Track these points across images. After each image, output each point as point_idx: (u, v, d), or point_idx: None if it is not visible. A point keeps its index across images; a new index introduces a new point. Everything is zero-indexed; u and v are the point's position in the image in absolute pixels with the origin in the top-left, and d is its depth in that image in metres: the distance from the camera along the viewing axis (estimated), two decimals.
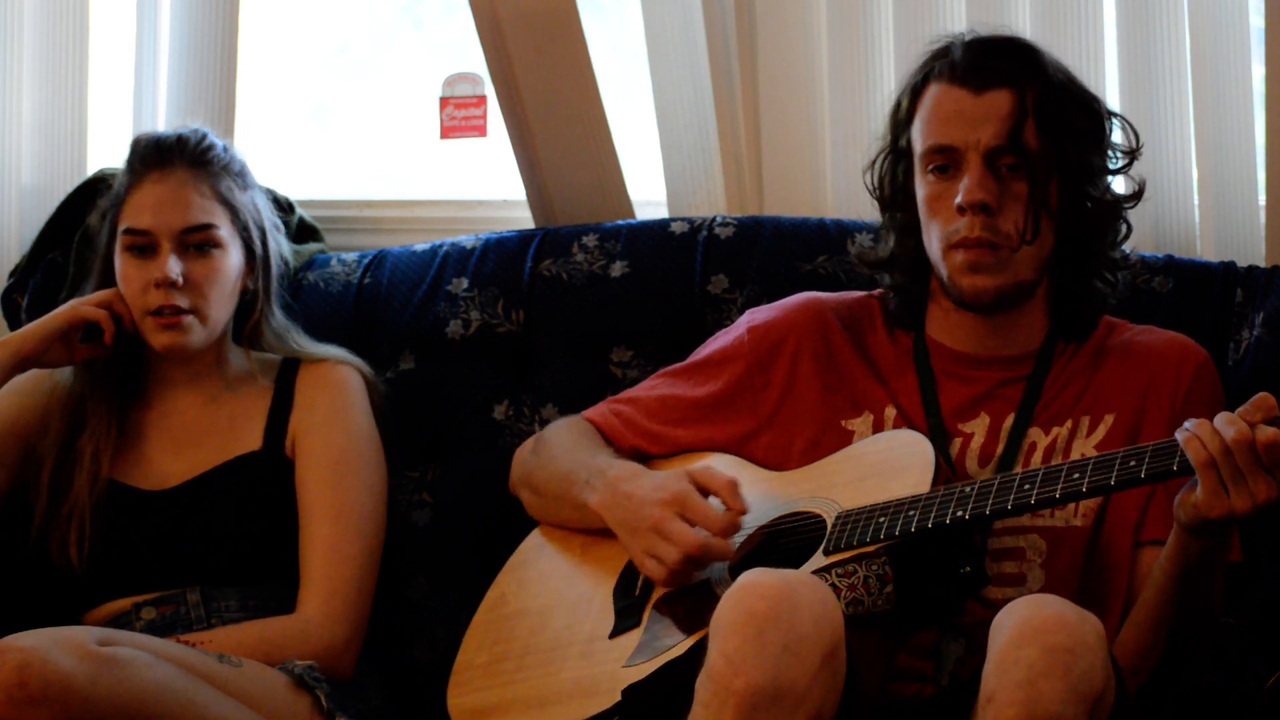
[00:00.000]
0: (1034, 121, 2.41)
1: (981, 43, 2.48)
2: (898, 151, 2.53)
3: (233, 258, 2.74)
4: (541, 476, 2.63)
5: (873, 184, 2.57)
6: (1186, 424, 2.15)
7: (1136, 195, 2.55)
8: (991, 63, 2.45)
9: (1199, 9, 2.90)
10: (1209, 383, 2.47)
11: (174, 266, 2.68)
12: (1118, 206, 2.51)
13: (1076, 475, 2.18)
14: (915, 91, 2.50)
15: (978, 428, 2.48)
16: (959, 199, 2.41)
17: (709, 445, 2.59)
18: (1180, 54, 2.93)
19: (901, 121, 2.52)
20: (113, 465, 2.71)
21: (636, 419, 2.64)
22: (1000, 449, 2.45)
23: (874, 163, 2.57)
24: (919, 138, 2.48)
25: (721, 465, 2.52)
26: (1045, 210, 2.42)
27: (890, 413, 2.50)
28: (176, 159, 2.72)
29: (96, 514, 2.67)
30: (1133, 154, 2.53)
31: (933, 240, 2.46)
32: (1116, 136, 2.53)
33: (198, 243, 2.71)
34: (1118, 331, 2.54)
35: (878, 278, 2.62)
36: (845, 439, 2.50)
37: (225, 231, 2.73)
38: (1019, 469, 2.42)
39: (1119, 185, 2.58)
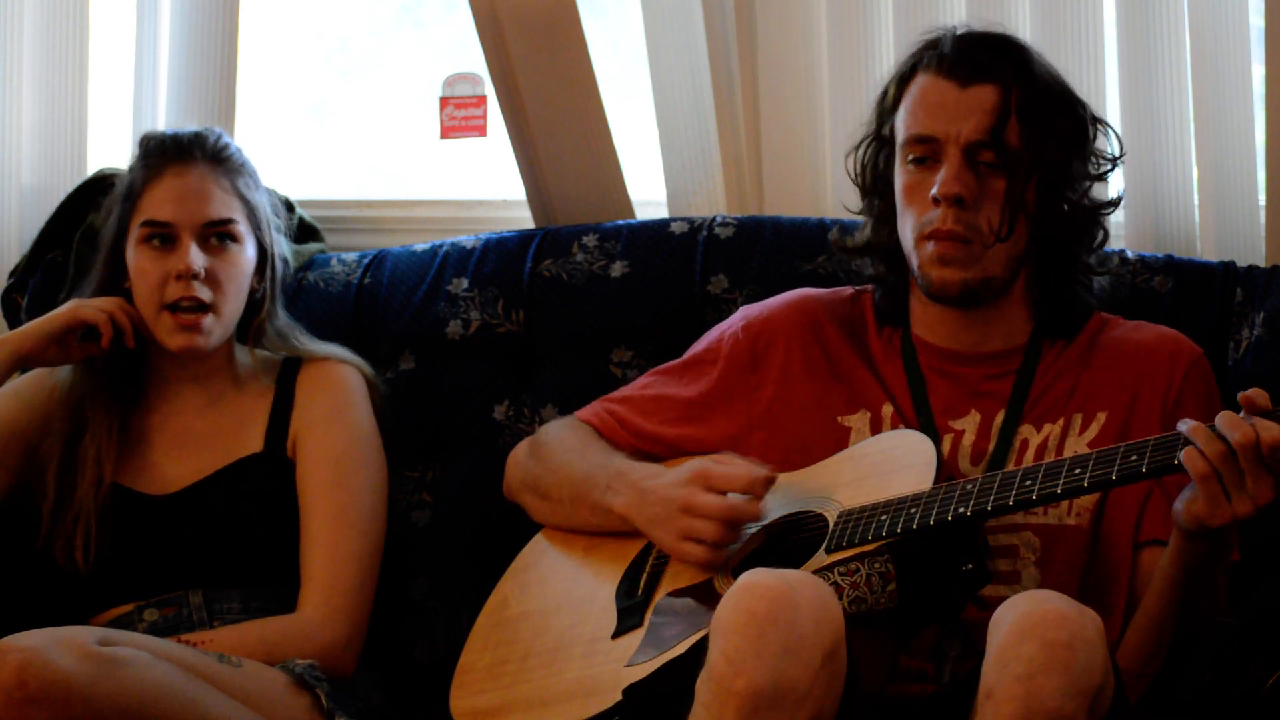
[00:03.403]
0: (1017, 120, 2.42)
1: (972, 37, 2.49)
2: (881, 139, 2.54)
3: (248, 253, 2.75)
4: (550, 481, 2.62)
5: (855, 170, 2.58)
6: (1180, 425, 2.15)
7: (1115, 202, 2.55)
8: (980, 57, 2.45)
9: (1199, 9, 2.91)
10: (1201, 380, 2.47)
11: (197, 258, 2.69)
12: (1095, 212, 2.51)
13: (1078, 471, 2.18)
14: (903, 80, 2.50)
15: (968, 425, 2.48)
16: (934, 190, 2.41)
17: (703, 447, 2.59)
18: (1180, 54, 2.93)
19: (887, 109, 2.52)
20: (116, 469, 2.71)
21: (631, 419, 2.64)
22: (991, 446, 2.45)
23: (857, 148, 2.58)
24: (902, 126, 2.48)
25: None
26: (1021, 210, 2.42)
27: (888, 410, 2.50)
28: (197, 154, 2.73)
29: (101, 519, 2.67)
30: (1115, 161, 2.53)
31: (906, 229, 2.47)
32: (1102, 143, 2.52)
33: (218, 235, 2.71)
34: (1109, 327, 2.54)
35: (860, 268, 2.62)
36: (842, 436, 2.50)
37: (243, 227, 2.74)
38: (1011, 466, 2.42)
39: (1104, 191, 2.59)
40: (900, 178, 2.48)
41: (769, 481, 2.38)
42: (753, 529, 2.41)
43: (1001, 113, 2.42)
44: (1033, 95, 2.43)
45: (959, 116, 2.42)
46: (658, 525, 2.43)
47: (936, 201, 2.41)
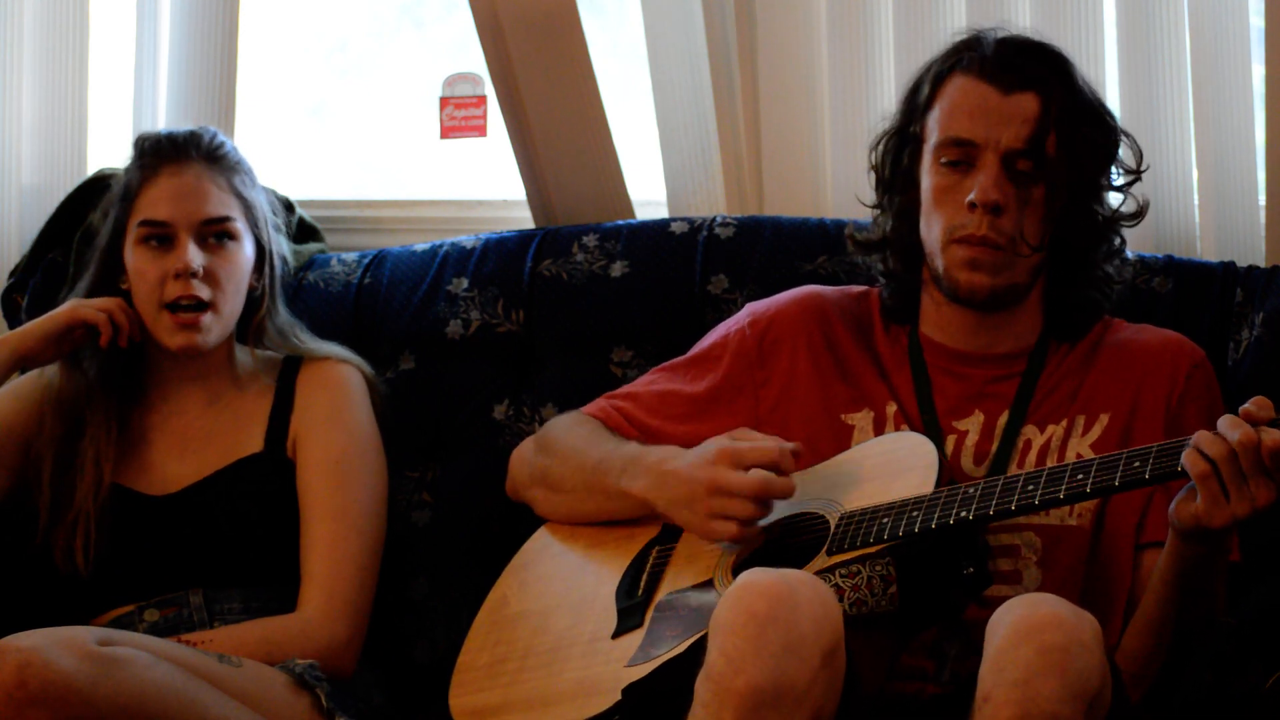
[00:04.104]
0: (1056, 131, 2.41)
1: (1014, 43, 2.47)
2: (905, 135, 2.52)
3: (246, 251, 2.75)
4: (561, 472, 2.60)
5: (874, 163, 2.57)
6: (1188, 441, 2.14)
7: (1137, 215, 2.55)
8: (1022, 64, 2.43)
9: (1199, 9, 2.91)
10: (1204, 383, 2.47)
11: (195, 256, 2.69)
12: (1116, 223, 2.51)
13: (1080, 476, 2.18)
14: (938, 79, 2.48)
15: (972, 425, 2.48)
16: (972, 195, 2.40)
17: None
18: (1180, 54, 2.93)
19: (919, 107, 2.50)
20: (116, 469, 2.71)
21: (636, 414, 2.63)
22: (995, 446, 2.45)
23: (879, 142, 2.56)
24: (936, 127, 2.46)
25: None
26: (1054, 219, 2.42)
27: (891, 409, 2.50)
28: (192, 153, 2.74)
29: (101, 520, 2.67)
30: (1137, 174, 2.52)
31: (934, 231, 2.46)
32: (1122, 154, 2.52)
33: (216, 234, 2.72)
34: (1114, 330, 2.54)
35: (872, 268, 2.61)
36: (845, 434, 2.50)
37: (240, 224, 2.74)
38: (1014, 467, 2.43)
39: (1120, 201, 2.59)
40: (930, 178, 2.47)
41: (796, 454, 2.36)
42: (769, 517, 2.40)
43: (1042, 122, 2.40)
44: (1073, 108, 2.42)
45: (1000, 123, 2.41)
46: (683, 506, 2.40)
47: (972, 206, 2.40)
